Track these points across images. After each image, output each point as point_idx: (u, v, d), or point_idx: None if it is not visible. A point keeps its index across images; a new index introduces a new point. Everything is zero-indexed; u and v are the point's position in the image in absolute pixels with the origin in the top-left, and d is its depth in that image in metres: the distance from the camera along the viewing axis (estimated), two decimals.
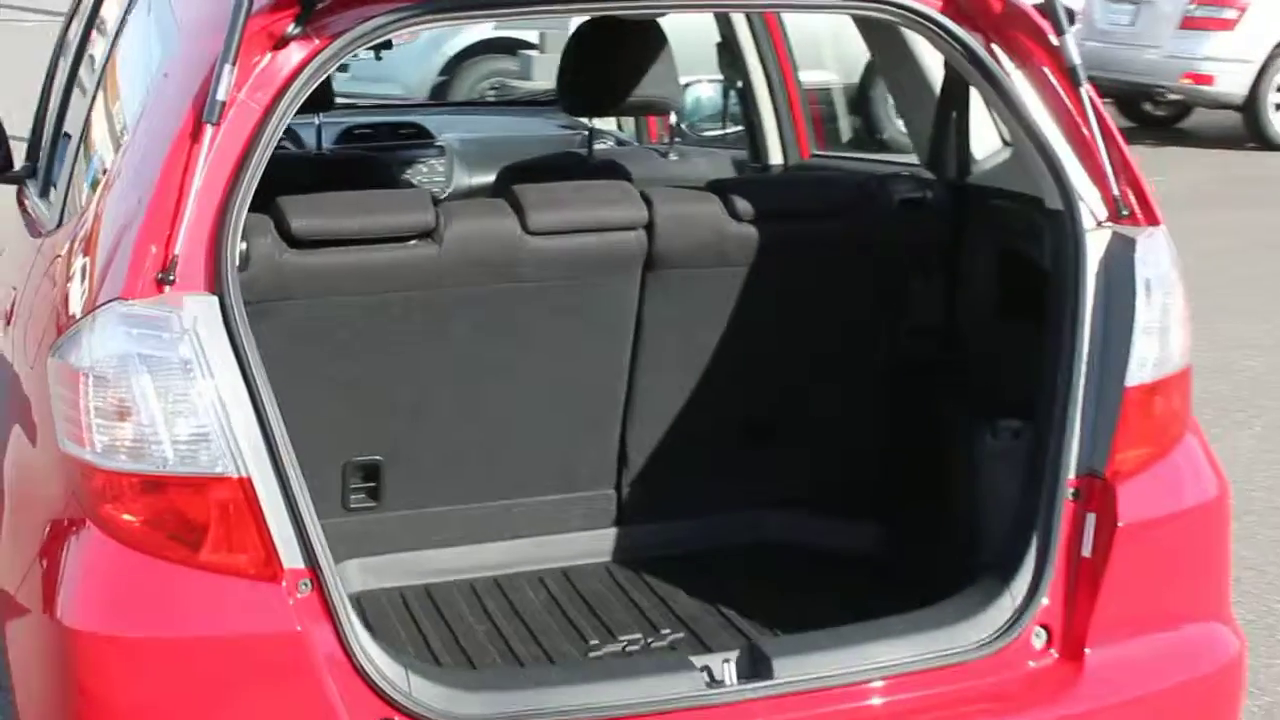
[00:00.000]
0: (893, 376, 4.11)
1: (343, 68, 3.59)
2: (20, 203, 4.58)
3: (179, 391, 2.81)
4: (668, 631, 3.69)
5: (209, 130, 2.89)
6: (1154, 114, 15.65)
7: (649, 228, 3.74)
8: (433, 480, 3.89)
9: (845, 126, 11.09)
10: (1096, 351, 3.29)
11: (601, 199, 3.74)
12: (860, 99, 11.70)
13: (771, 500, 4.17)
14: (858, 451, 4.15)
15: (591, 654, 3.59)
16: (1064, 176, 3.34)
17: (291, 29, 2.99)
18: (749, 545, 4.12)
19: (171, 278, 2.85)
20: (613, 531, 4.10)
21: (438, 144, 6.18)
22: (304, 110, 3.16)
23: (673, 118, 4.89)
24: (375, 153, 6.13)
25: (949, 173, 4.01)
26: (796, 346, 4.01)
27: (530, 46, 12.41)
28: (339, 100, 6.72)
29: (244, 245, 3.44)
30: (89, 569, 2.88)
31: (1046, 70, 3.36)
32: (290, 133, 5.97)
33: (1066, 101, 3.35)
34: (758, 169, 5.18)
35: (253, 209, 3.05)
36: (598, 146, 4.83)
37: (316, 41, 3.02)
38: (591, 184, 3.83)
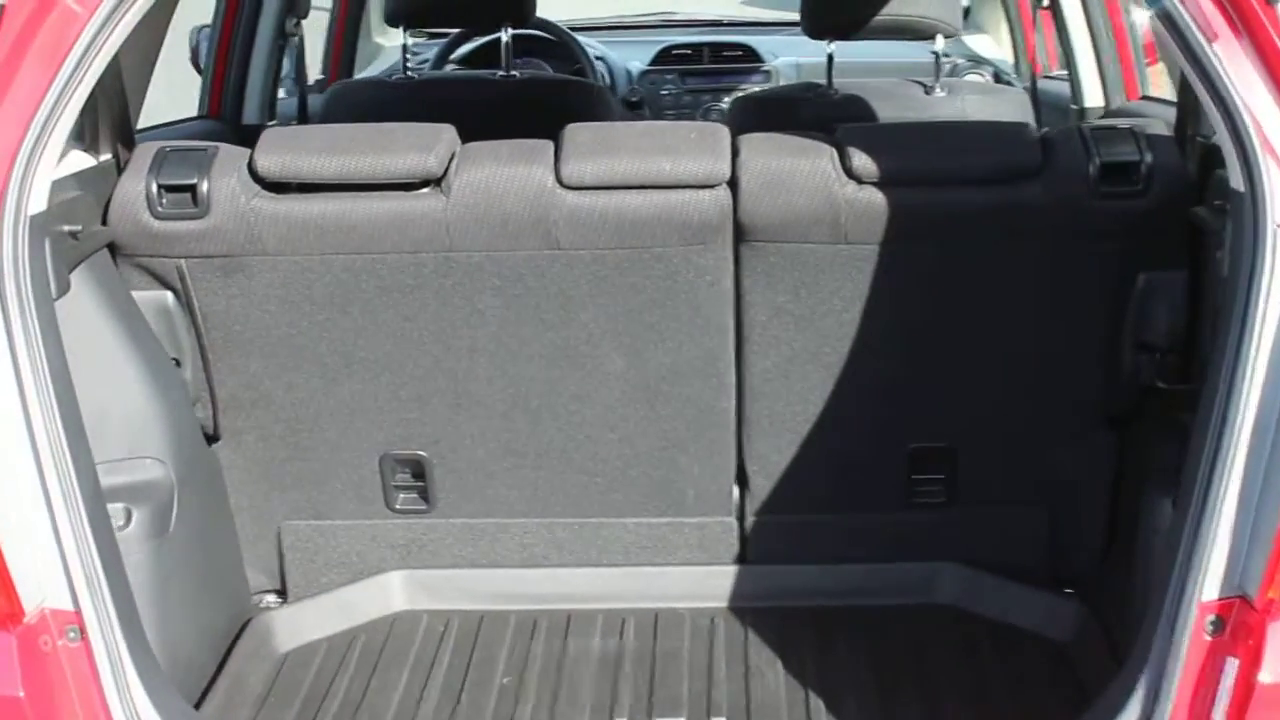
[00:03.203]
0: (1104, 407, 3.01)
1: None
2: None
3: None
4: None
5: None
6: None
7: (733, 186, 2.83)
8: (495, 485, 3.14)
9: None
10: (1269, 405, 2.15)
11: (666, 145, 2.84)
12: None
13: (939, 552, 3.17)
14: (1056, 502, 3.09)
15: None
16: (1248, 148, 2.19)
17: None
18: (902, 608, 3.14)
19: None
20: (731, 570, 3.21)
21: (764, 69, 5.34)
22: None
23: (939, 43, 3.84)
24: (680, 78, 5.38)
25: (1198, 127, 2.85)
26: (965, 358, 2.98)
27: None
28: (659, 16, 6.02)
29: (204, 185, 2.81)
30: None
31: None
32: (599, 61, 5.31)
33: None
34: (1075, 112, 4.05)
35: None
36: (845, 80, 3.87)
37: None
38: (664, 126, 2.93)
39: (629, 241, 2.84)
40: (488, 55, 5.40)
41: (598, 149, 2.83)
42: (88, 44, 2.29)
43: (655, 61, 5.51)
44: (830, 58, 3.85)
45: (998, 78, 5.13)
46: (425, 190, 2.83)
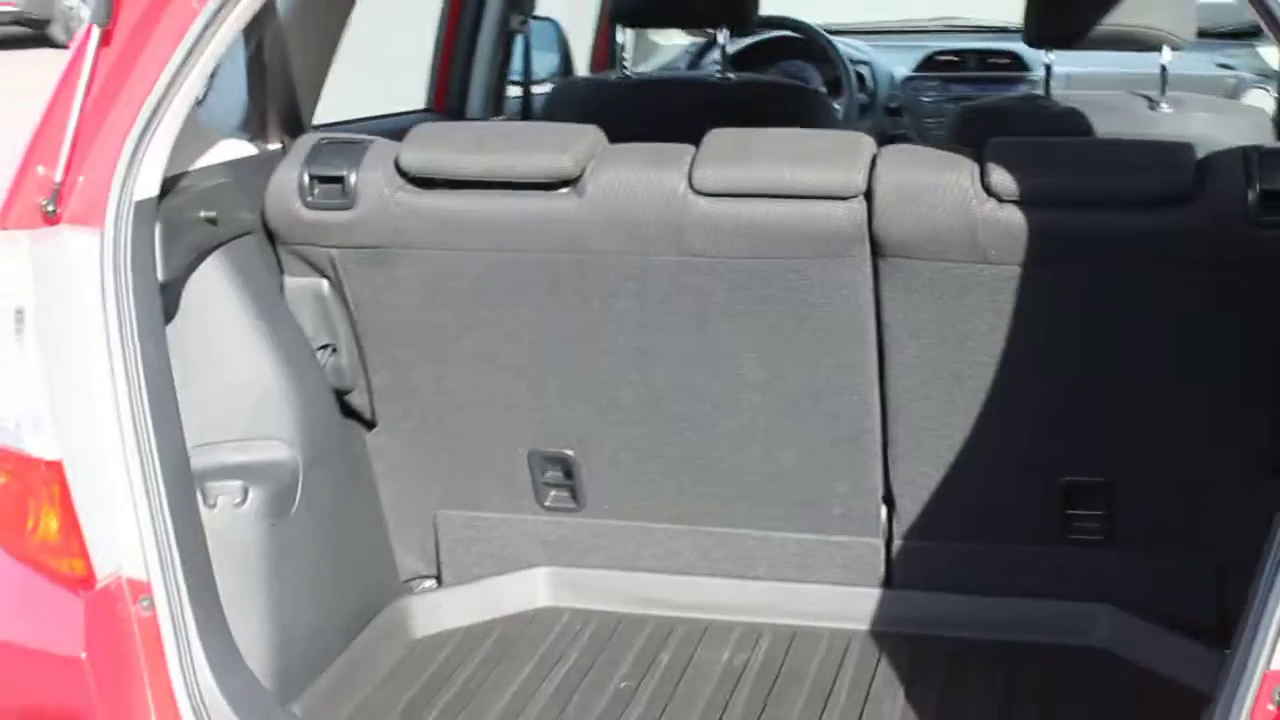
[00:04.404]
0: (1274, 454, 2.79)
1: None
2: None
3: (4, 346, 2.32)
4: None
5: (95, 34, 2.36)
6: None
7: (869, 199, 2.74)
8: (642, 489, 3.13)
9: None
10: None
11: (800, 154, 2.77)
12: None
13: (1094, 592, 3.01)
14: (1224, 552, 2.89)
15: None
16: None
17: None
18: (1047, 647, 2.99)
19: (52, 208, 2.35)
20: (875, 593, 3.12)
21: (1031, 78, 5.15)
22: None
23: (1166, 55, 3.62)
24: (944, 84, 5.24)
25: None
26: (1117, 390, 2.81)
27: None
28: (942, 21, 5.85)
29: (353, 177, 2.89)
30: None
31: None
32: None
33: None
34: None
35: None
36: (1067, 92, 3.70)
37: None
38: (796, 133, 2.85)
39: (762, 251, 2.79)
40: (756, 54, 5.39)
41: (733, 155, 2.79)
42: (196, 37, 2.38)
43: (920, 67, 5.39)
44: (1049, 68, 3.70)
45: None
46: (564, 191, 2.84)
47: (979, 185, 2.67)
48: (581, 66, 5.23)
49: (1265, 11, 2.04)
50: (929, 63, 5.39)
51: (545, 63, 5.14)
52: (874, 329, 2.86)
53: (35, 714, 2.34)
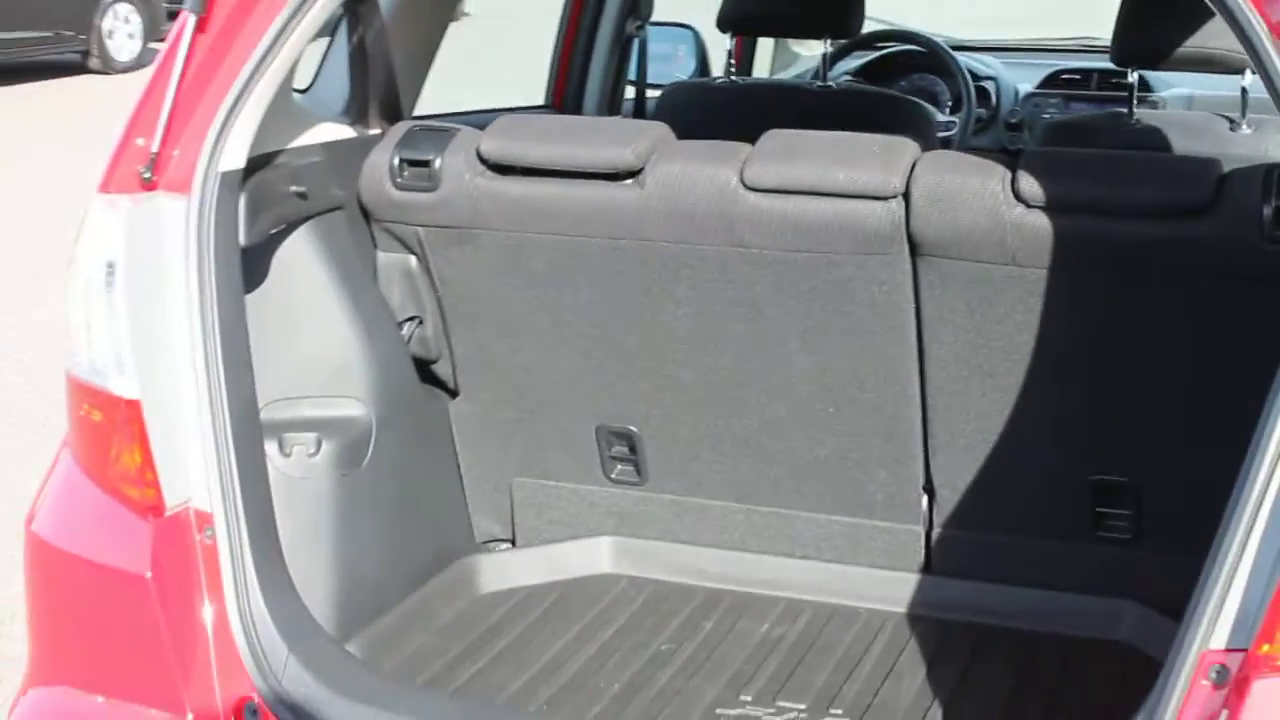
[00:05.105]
0: None
1: None
2: None
3: (97, 297, 2.61)
4: (840, 713, 2.91)
5: (191, 20, 2.64)
6: None
7: (907, 200, 2.90)
8: (700, 467, 3.33)
9: None
10: None
11: (844, 156, 2.94)
12: None
13: (1122, 589, 3.13)
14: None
15: (719, 711, 2.93)
16: None
17: None
18: (1071, 639, 3.12)
19: (149, 175, 2.64)
20: (914, 578, 3.28)
21: (1151, 99, 5.22)
22: None
23: (1247, 78, 3.70)
24: (1064, 102, 5.33)
25: None
26: (1143, 393, 2.94)
27: None
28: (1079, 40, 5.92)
29: (438, 162, 3.14)
30: (51, 468, 2.81)
31: None
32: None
33: None
34: None
35: None
36: (1152, 112, 3.82)
37: None
38: (848, 136, 3.02)
39: (807, 245, 2.97)
40: (887, 66, 5.55)
41: (783, 154, 2.97)
42: (280, 28, 2.64)
43: (1043, 84, 5.49)
44: (1132, 88, 3.81)
45: None
46: (628, 182, 3.05)
47: (1009, 191, 2.82)
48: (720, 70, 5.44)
49: None
50: (1052, 80, 5.50)
51: (685, 67, 5.38)
52: (914, 324, 3.02)
53: (105, 622, 2.63)
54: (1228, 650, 2.13)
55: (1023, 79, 5.58)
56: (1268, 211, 2.69)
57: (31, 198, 10.88)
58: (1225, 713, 2.10)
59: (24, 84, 15.88)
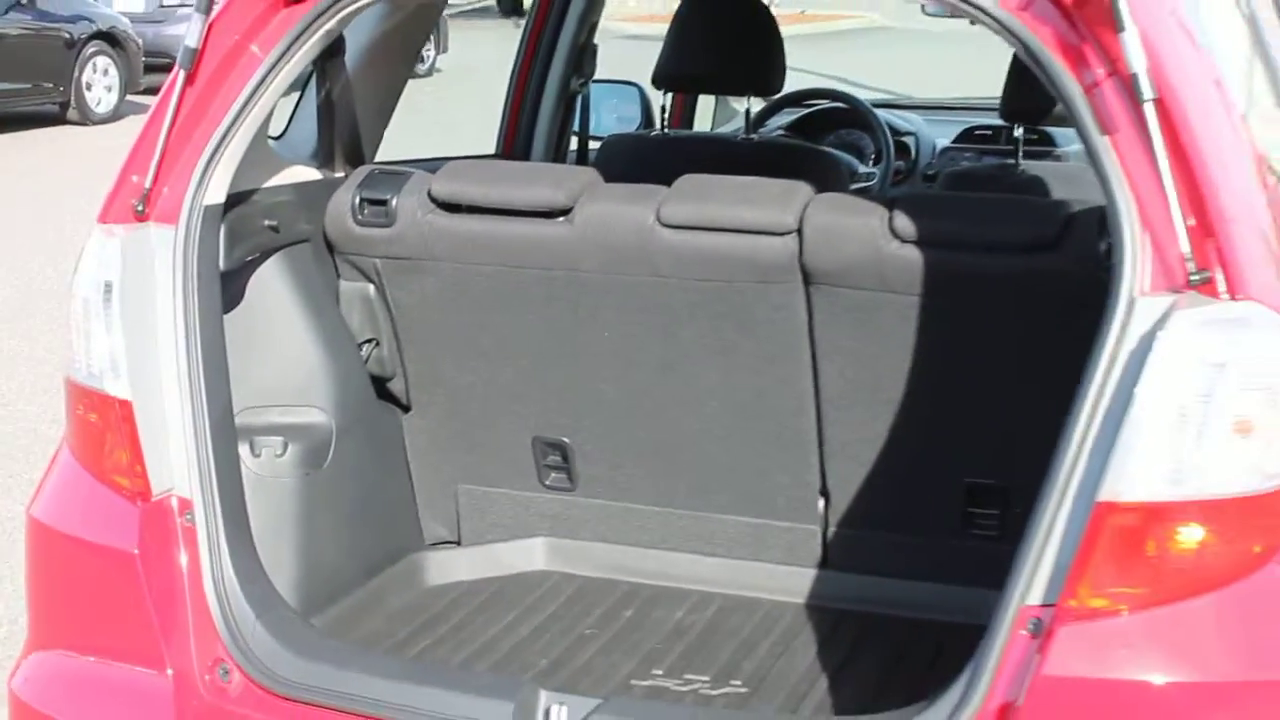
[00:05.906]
0: None
1: None
2: None
3: (96, 312, 3.03)
4: (738, 683, 3.33)
5: (181, 75, 3.07)
6: None
7: (800, 235, 3.34)
8: (624, 474, 3.75)
9: None
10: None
11: (747, 197, 3.38)
12: None
13: (992, 581, 3.55)
14: None
15: (633, 681, 3.34)
16: (1116, 218, 2.60)
17: None
18: (949, 625, 3.53)
19: (141, 208, 3.06)
20: (812, 573, 3.70)
21: (1057, 154, 5.69)
22: None
23: None
24: (977, 156, 5.78)
25: None
26: (1000, 406, 3.37)
27: None
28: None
29: (394, 201, 3.56)
30: (52, 466, 3.23)
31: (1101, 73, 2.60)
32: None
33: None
34: None
35: None
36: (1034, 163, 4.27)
37: None
38: (752, 180, 3.47)
39: (715, 275, 3.40)
40: (815, 122, 6.02)
41: (694, 196, 3.41)
42: (258, 82, 3.08)
43: (959, 139, 5.96)
44: (1018, 142, 4.27)
45: None
46: (559, 219, 3.48)
47: (887, 228, 3.26)
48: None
49: None
50: (967, 135, 5.97)
51: (630, 120, 5.83)
52: (808, 345, 3.45)
53: (97, 593, 3.03)
54: (1042, 606, 2.55)
55: (941, 134, 6.04)
56: (1103, 246, 3.14)
57: (7, 240, 11.30)
58: (1037, 657, 2.52)
59: (1, 135, 16.29)
